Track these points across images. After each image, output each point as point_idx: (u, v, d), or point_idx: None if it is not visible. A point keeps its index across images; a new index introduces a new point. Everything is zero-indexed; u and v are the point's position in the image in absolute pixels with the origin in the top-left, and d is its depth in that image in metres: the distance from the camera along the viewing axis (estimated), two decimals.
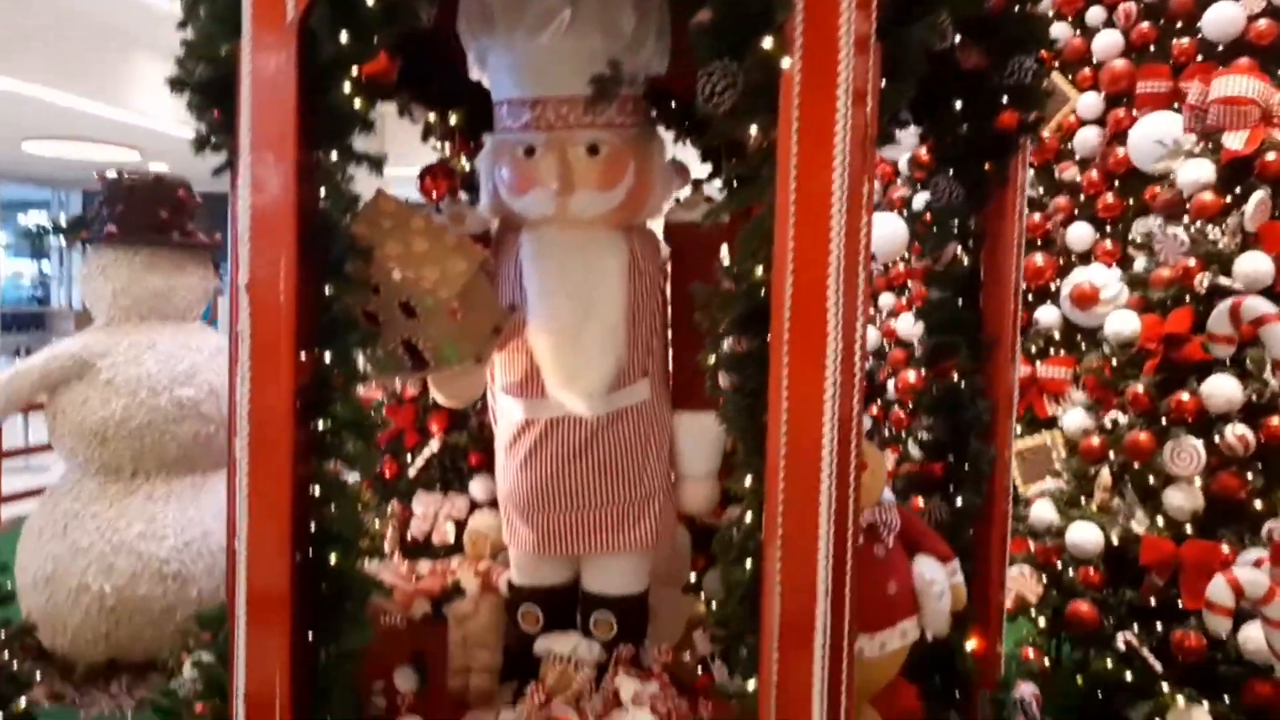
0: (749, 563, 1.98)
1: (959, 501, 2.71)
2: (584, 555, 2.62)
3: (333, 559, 2.07)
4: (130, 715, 3.63)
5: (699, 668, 2.94)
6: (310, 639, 2.09)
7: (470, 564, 2.83)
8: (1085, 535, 3.66)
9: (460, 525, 2.99)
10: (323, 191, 2.05)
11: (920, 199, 5.36)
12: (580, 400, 2.47)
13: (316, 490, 2.07)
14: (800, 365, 1.85)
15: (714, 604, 3.08)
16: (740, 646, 2.04)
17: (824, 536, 1.88)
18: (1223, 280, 3.45)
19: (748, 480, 1.99)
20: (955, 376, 2.71)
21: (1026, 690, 2.74)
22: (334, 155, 2.06)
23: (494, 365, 2.62)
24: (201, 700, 2.40)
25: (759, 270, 1.93)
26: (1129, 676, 3.54)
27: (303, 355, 2.03)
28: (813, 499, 1.88)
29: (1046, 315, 4.98)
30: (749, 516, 1.99)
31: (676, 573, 2.98)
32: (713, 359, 2.03)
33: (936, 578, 2.45)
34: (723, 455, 2.72)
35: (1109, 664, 3.57)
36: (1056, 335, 4.95)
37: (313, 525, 2.08)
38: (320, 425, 2.07)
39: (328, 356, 2.06)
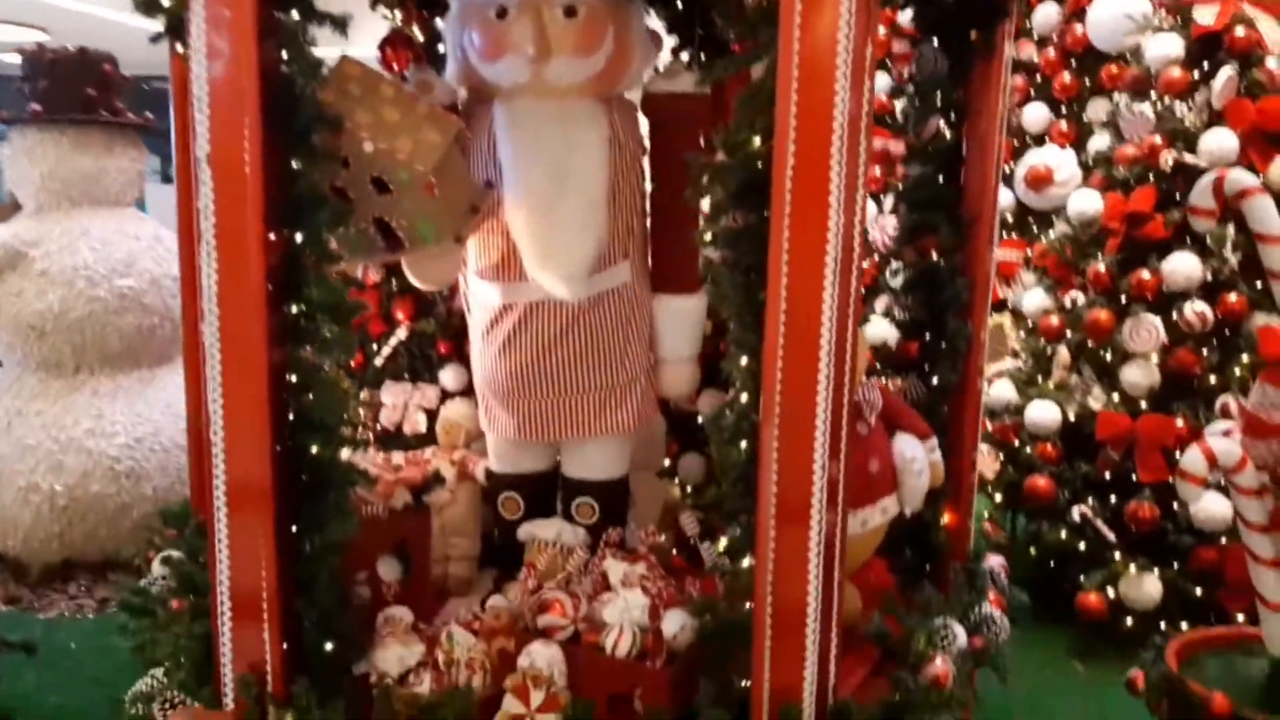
0: (744, 443, 1.96)
1: (935, 380, 2.72)
2: (565, 441, 2.58)
3: (313, 448, 1.99)
4: (92, 616, 3.56)
5: (674, 550, 2.96)
6: (294, 531, 2.03)
7: (444, 453, 2.77)
8: (1043, 413, 3.74)
9: (431, 415, 2.92)
10: (284, 55, 1.90)
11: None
12: (560, 282, 2.38)
13: (293, 378, 1.97)
14: (801, 239, 1.79)
15: (689, 488, 3.10)
16: (735, 525, 2.04)
17: (821, 415, 1.85)
18: (1188, 157, 3.46)
19: (743, 360, 1.94)
20: (935, 255, 2.68)
21: (995, 562, 2.81)
22: (294, 14, 1.90)
23: (468, 249, 2.52)
24: (177, 597, 2.33)
25: (756, 141, 1.84)
26: (1082, 547, 3.67)
27: (272, 235, 1.91)
28: (811, 377, 1.85)
29: (1000, 198, 4.97)
30: (744, 397, 1.95)
31: (653, 458, 2.97)
32: (709, 235, 1.96)
33: (917, 455, 2.47)
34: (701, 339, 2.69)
35: (1063, 535, 3.69)
36: (1009, 218, 4.96)
37: (291, 414, 1.99)
38: (293, 310, 1.96)
39: (298, 236, 1.93)
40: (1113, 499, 3.66)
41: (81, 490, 3.59)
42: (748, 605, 1.99)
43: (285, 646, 2.03)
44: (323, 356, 1.99)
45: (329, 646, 2.09)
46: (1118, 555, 3.61)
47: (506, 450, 2.65)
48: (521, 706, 2.08)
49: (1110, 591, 3.59)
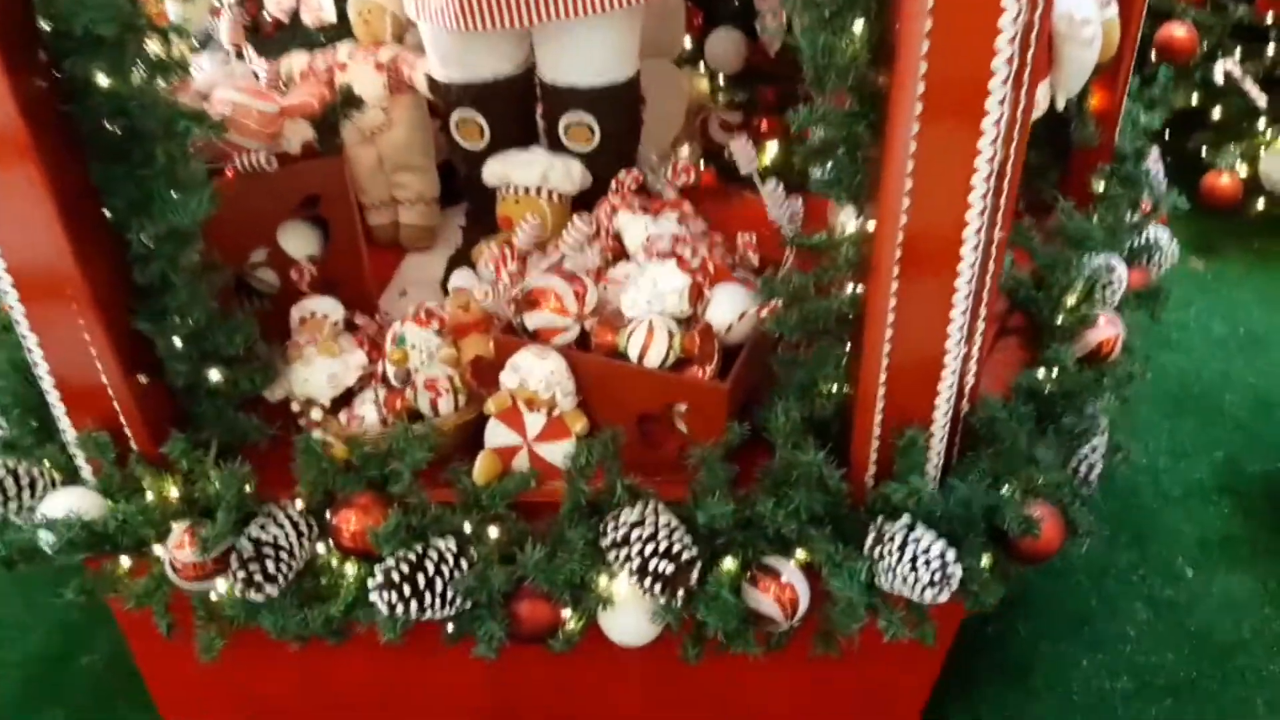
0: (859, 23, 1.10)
1: None
2: (536, 27, 1.66)
3: (96, 76, 1.15)
4: None
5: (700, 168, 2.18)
6: (107, 215, 1.25)
7: (365, 52, 1.88)
8: None
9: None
10: None
11: None
12: None
13: None
14: None
15: (722, 77, 2.23)
16: (830, 156, 1.23)
17: None
18: None
19: None
20: None
21: (1154, 160, 2.03)
22: None
23: None
24: None
25: None
26: (1218, 114, 2.87)
27: None
28: None
29: None
30: None
31: (668, 37, 2.07)
32: None
33: (1089, 14, 1.58)
34: None
35: (1194, 99, 2.87)
36: None
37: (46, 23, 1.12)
38: None
39: None
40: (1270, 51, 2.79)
41: None
42: (850, 288, 1.26)
43: (144, 385, 1.35)
44: None
45: (215, 377, 1.40)
46: (1263, 124, 2.82)
47: (451, 48, 1.75)
48: (513, 436, 1.44)
49: (1244, 169, 2.86)
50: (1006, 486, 1.35)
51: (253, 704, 1.69)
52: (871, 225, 1.20)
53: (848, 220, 1.26)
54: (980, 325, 1.30)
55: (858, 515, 1.34)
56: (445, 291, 1.82)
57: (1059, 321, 1.63)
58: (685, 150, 1.73)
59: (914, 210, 1.11)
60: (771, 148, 2.20)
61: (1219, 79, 2.80)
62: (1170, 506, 2.08)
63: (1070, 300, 1.65)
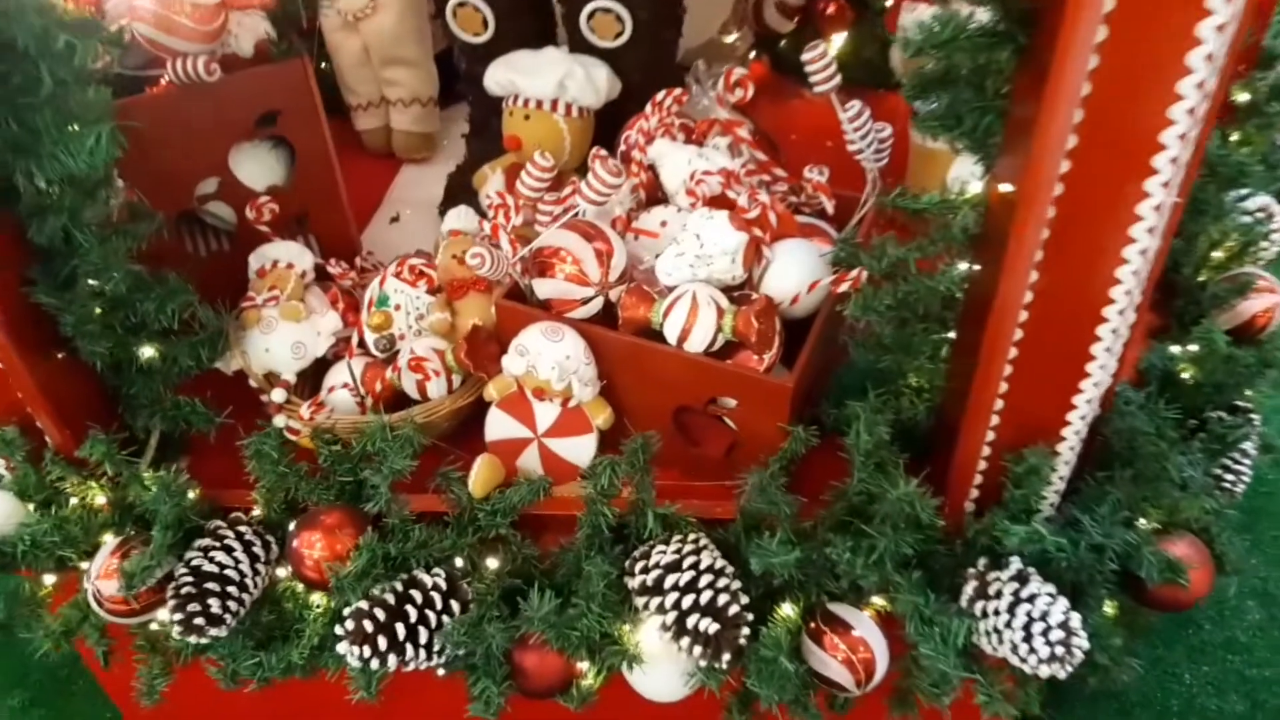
0: None
1: None
2: None
3: None
4: None
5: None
6: None
7: None
8: None
9: None
10: None
11: None
12: None
13: None
14: None
15: None
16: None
17: None
18: None
19: None
20: None
21: None
22: None
23: None
24: None
25: None
26: None
27: None
28: None
29: None
30: None
31: None
32: None
33: None
34: None
35: None
36: None
37: None
38: None
39: None
40: None
41: None
42: (963, 264, 0.95)
43: (58, 367, 1.07)
44: None
45: (147, 354, 1.12)
46: None
47: None
48: (521, 429, 1.15)
49: None
50: (1143, 519, 1.06)
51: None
52: (1007, 187, 0.87)
53: (968, 175, 0.93)
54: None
55: (951, 551, 1.06)
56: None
57: (1202, 286, 1.30)
58: (734, 38, 1.36)
59: (1081, 156, 0.78)
60: (838, 40, 1.83)
61: None
62: None
63: (1217, 256, 1.32)
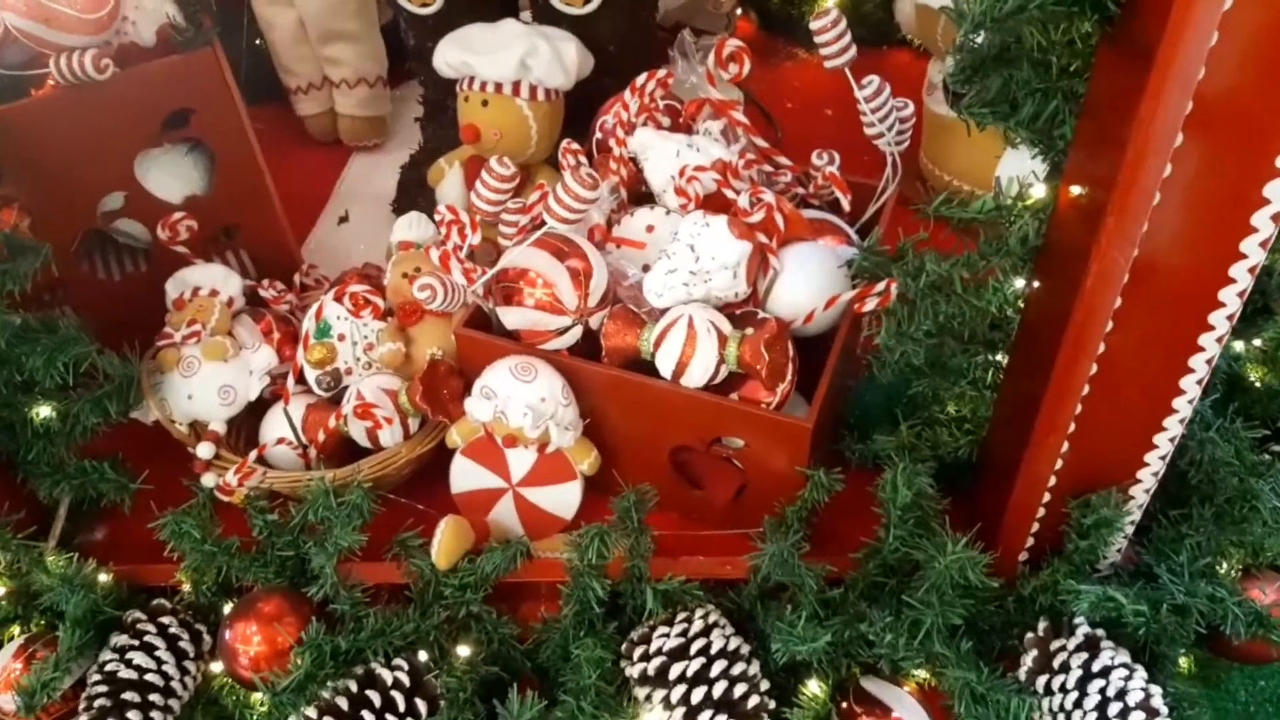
0: None
1: None
2: None
3: None
4: None
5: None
6: None
7: None
8: None
9: None
10: None
11: None
12: None
13: None
14: None
15: None
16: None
17: None
18: None
19: None
20: None
21: None
22: None
23: None
24: None
25: None
26: None
27: None
28: None
29: None
30: None
31: None
32: None
33: None
34: None
35: None
36: None
37: None
38: None
39: None
40: None
41: None
42: (1021, 281, 0.78)
43: None
44: None
45: (43, 415, 0.94)
46: None
47: None
48: (493, 479, 0.98)
49: None
50: (1224, 563, 0.90)
51: None
52: (1079, 190, 0.70)
53: (1027, 175, 0.76)
54: None
55: (1002, 607, 0.90)
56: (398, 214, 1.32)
57: (1267, 271, 1.13)
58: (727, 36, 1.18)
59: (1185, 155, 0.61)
60: None
61: None
62: None
63: None
